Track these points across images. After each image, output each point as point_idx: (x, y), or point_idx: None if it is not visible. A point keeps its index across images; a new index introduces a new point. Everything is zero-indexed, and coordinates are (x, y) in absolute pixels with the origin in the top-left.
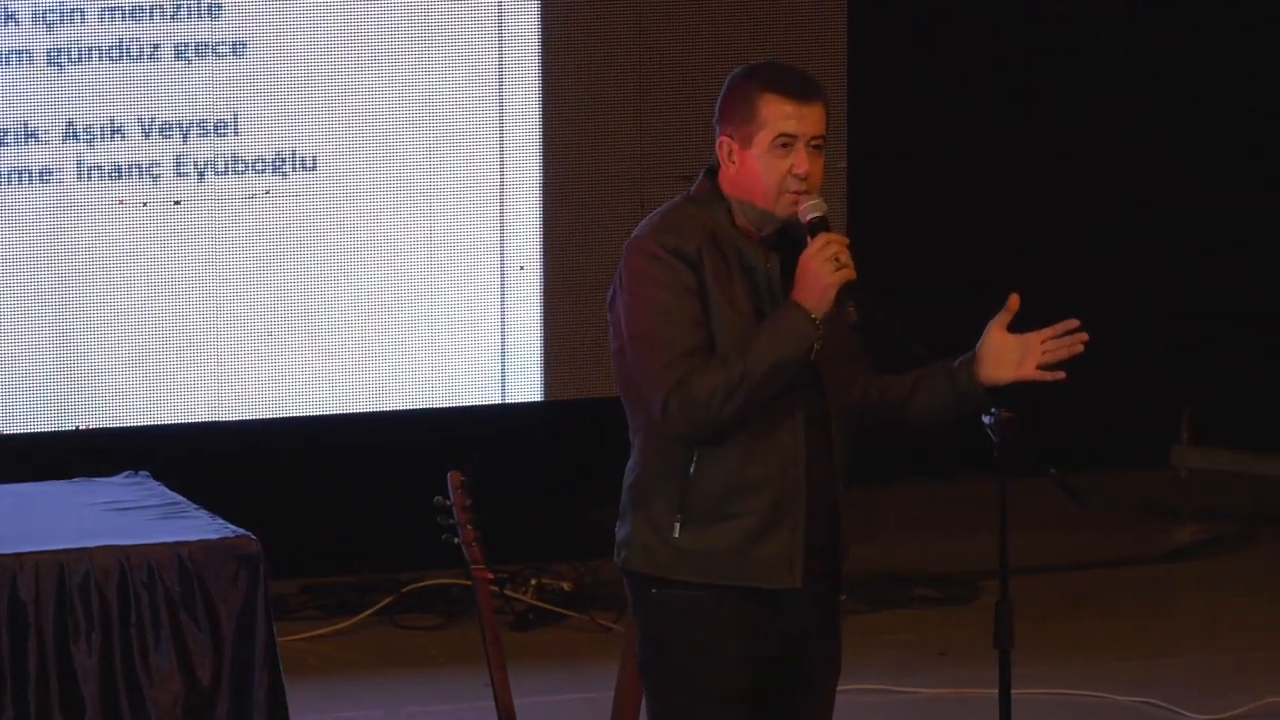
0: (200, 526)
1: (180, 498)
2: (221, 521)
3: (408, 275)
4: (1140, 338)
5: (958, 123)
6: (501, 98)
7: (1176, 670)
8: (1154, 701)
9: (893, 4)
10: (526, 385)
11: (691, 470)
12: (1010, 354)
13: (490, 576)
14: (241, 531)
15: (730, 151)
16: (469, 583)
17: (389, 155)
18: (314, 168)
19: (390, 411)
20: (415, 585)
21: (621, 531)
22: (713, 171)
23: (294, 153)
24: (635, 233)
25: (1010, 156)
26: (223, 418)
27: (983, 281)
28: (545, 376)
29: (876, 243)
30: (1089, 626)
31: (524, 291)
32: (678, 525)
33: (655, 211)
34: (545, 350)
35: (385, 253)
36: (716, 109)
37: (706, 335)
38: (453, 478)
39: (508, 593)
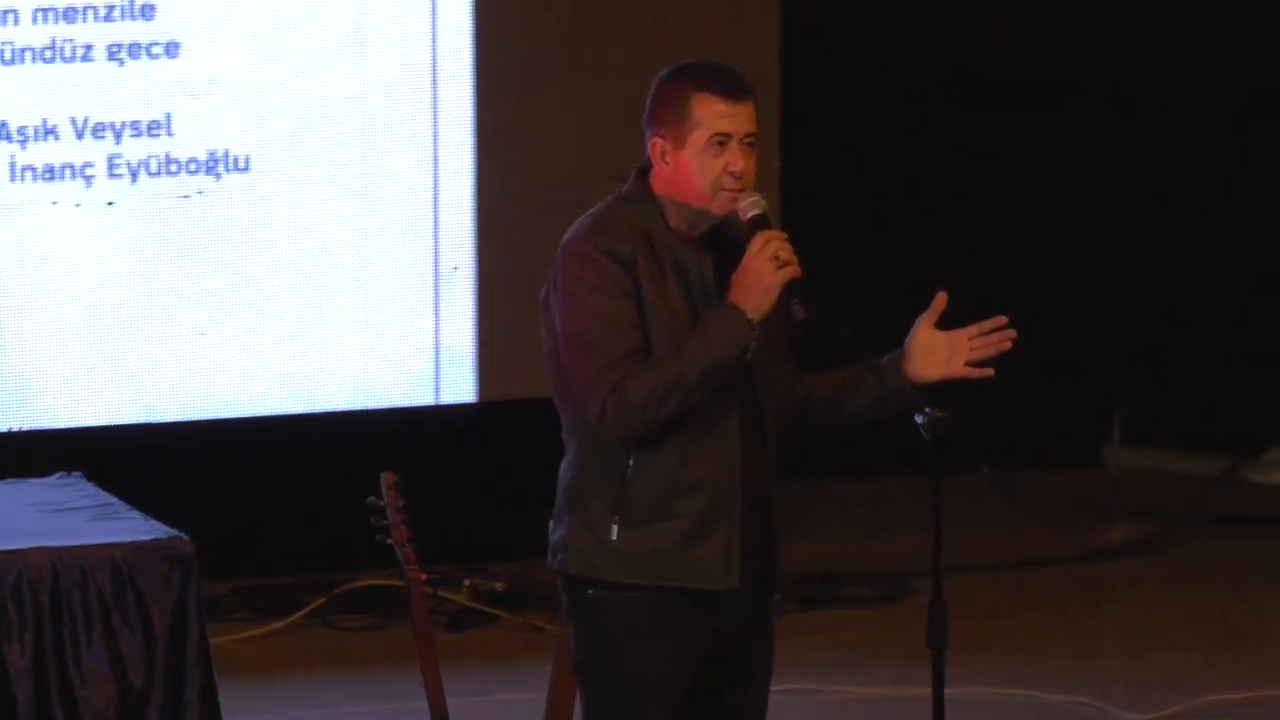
0: (133, 527)
1: (113, 499)
2: (154, 522)
3: (341, 276)
4: (1073, 337)
5: (893, 118)
6: (435, 97)
7: (1109, 669)
8: (1086, 701)
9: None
10: (460, 386)
11: (629, 472)
12: (938, 351)
13: (423, 577)
14: (174, 532)
15: (664, 152)
16: (402, 583)
17: (322, 156)
18: (247, 168)
19: (324, 412)
20: (348, 586)
21: (556, 533)
22: (644, 172)
23: (227, 153)
24: (568, 234)
25: (946, 152)
26: (156, 418)
27: (918, 279)
28: (479, 377)
29: (811, 240)
30: (1022, 625)
31: (458, 292)
32: (615, 527)
33: (588, 213)
34: (479, 351)
35: (319, 253)
36: (646, 111)
37: (642, 337)
38: (386, 478)
39: (441, 593)
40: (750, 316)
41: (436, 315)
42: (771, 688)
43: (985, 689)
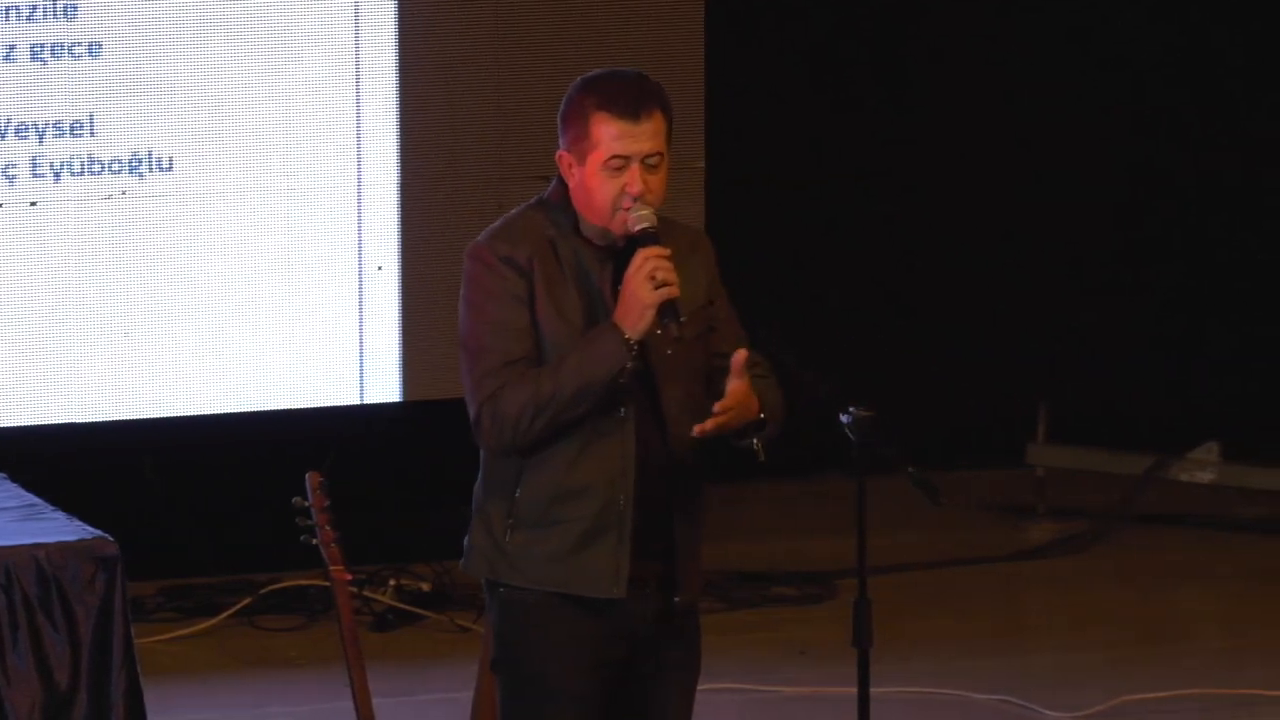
0: (57, 528)
1: (37, 499)
2: (79, 523)
3: (265, 276)
4: (996, 337)
5: (819, 119)
6: (359, 97)
7: (1034, 668)
8: (1011, 700)
9: (751, 2)
10: (385, 386)
11: (521, 477)
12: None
13: (349, 577)
14: (99, 533)
15: (569, 166)
16: (327, 583)
17: (246, 155)
18: (171, 168)
19: (248, 412)
20: (274, 586)
21: (468, 537)
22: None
23: (151, 153)
24: (476, 238)
25: (873, 152)
26: (79, 418)
27: (839, 279)
28: (403, 377)
29: (734, 243)
30: (947, 625)
31: (382, 292)
32: (509, 530)
33: (503, 216)
34: (403, 351)
35: (243, 253)
36: (559, 119)
37: (531, 344)
38: (311, 478)
39: (366, 593)
40: (628, 336)
41: (361, 315)
42: (698, 687)
43: (911, 688)
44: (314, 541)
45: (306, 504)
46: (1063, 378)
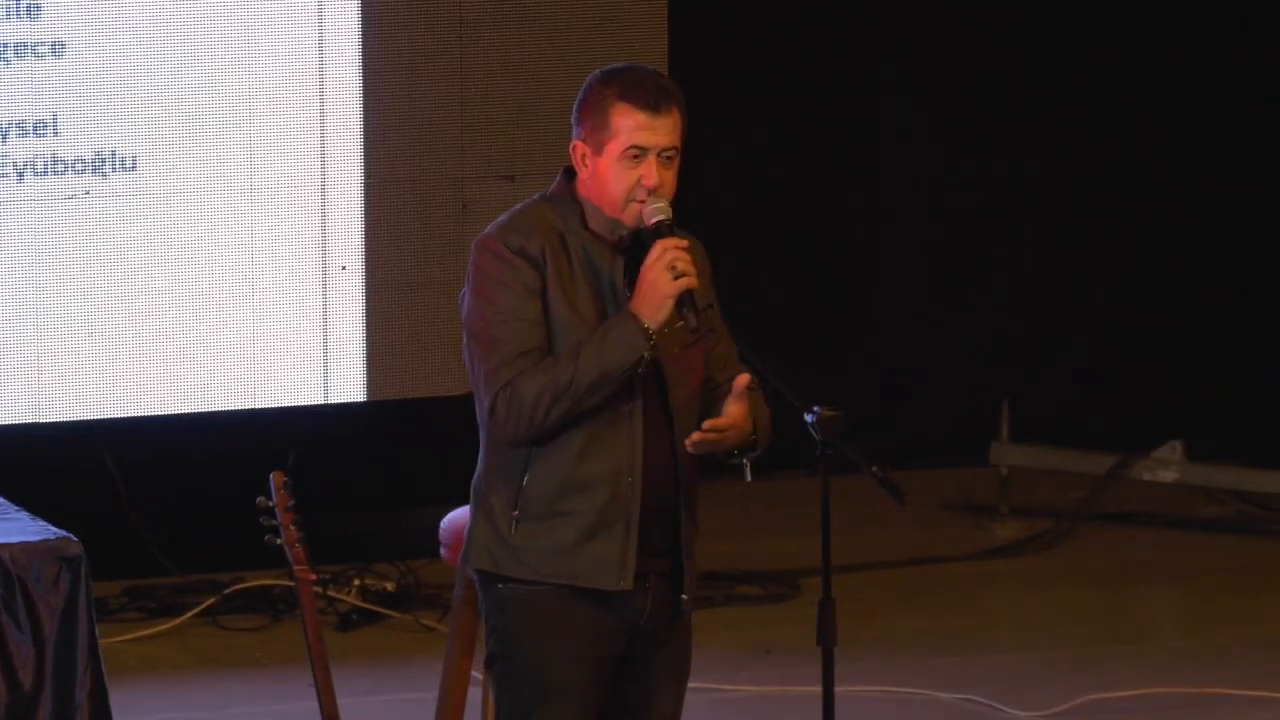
0: (21, 528)
1: (0, 499)
2: (42, 523)
3: (229, 275)
4: (961, 337)
5: (783, 120)
6: (322, 96)
7: (998, 667)
8: (976, 699)
9: (715, 2)
10: (349, 385)
11: (528, 468)
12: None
13: (313, 577)
14: (63, 533)
15: (584, 156)
16: (292, 583)
17: (210, 154)
18: (134, 168)
19: (212, 412)
20: (238, 586)
21: (468, 529)
22: (571, 172)
23: (114, 153)
24: (485, 230)
25: (838, 152)
26: (43, 418)
27: (807, 277)
28: (368, 376)
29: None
30: (911, 624)
31: (346, 291)
32: (514, 523)
33: (510, 210)
34: (368, 350)
35: (207, 253)
36: (574, 109)
37: (544, 336)
38: (275, 478)
39: (331, 593)
40: (647, 325)
41: (325, 315)
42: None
43: (876, 687)
44: (278, 541)
45: (271, 504)
46: (1025, 378)
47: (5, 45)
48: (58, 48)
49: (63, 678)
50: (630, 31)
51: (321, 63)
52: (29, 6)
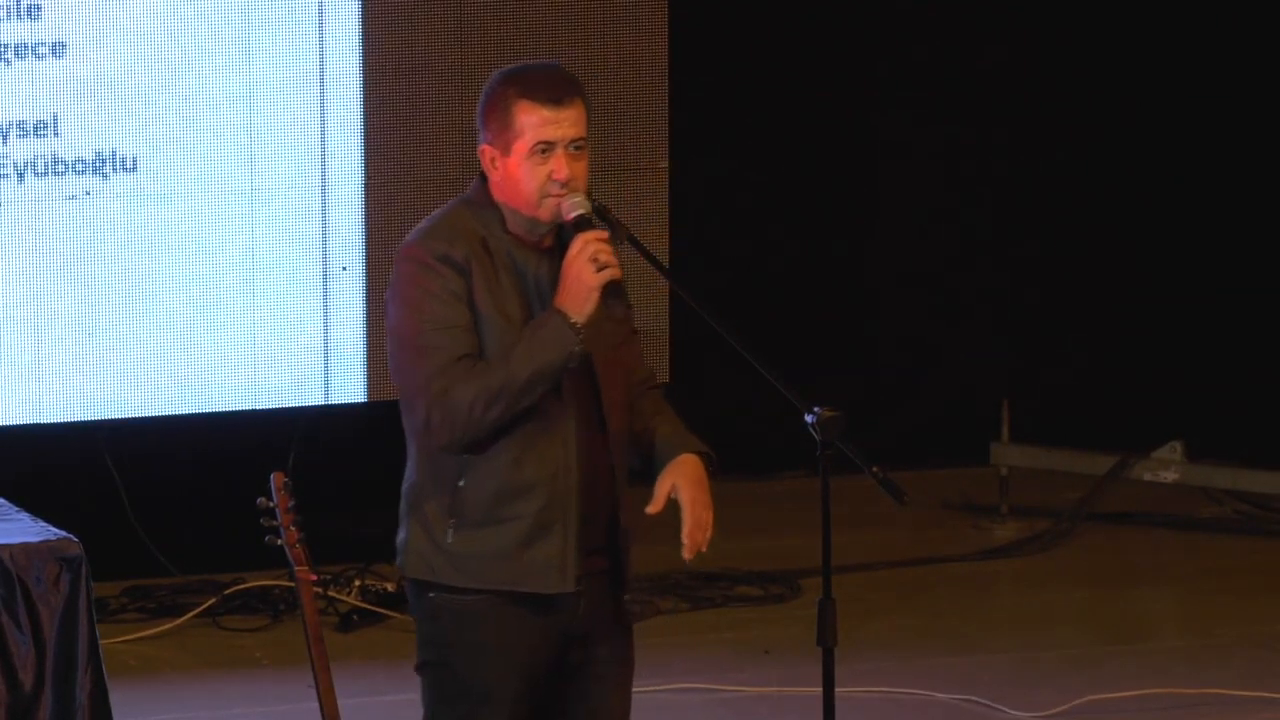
0: (21, 529)
1: (1, 500)
2: (43, 524)
3: (230, 276)
4: (961, 337)
5: (782, 121)
6: (323, 97)
7: (998, 668)
8: (976, 699)
9: (716, 3)
10: (350, 386)
11: (463, 475)
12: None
13: (313, 578)
14: (63, 534)
15: (493, 159)
16: (292, 584)
17: (210, 155)
18: (135, 168)
19: (213, 412)
20: (238, 587)
21: (399, 537)
22: (486, 176)
23: (115, 153)
24: (407, 238)
25: (838, 153)
26: (44, 419)
27: (808, 277)
28: (368, 377)
29: (698, 243)
30: (911, 624)
31: (347, 292)
32: (450, 530)
33: (430, 216)
34: (368, 351)
35: (207, 253)
36: (478, 115)
37: (473, 342)
38: (276, 479)
39: (331, 594)
40: (574, 320)
41: (326, 315)
42: (662, 687)
43: (876, 687)
44: (279, 542)
45: (271, 504)
46: (1026, 379)
47: (5, 45)
48: (58, 48)
49: (63, 678)
50: (630, 32)
51: (322, 63)
52: (29, 7)
